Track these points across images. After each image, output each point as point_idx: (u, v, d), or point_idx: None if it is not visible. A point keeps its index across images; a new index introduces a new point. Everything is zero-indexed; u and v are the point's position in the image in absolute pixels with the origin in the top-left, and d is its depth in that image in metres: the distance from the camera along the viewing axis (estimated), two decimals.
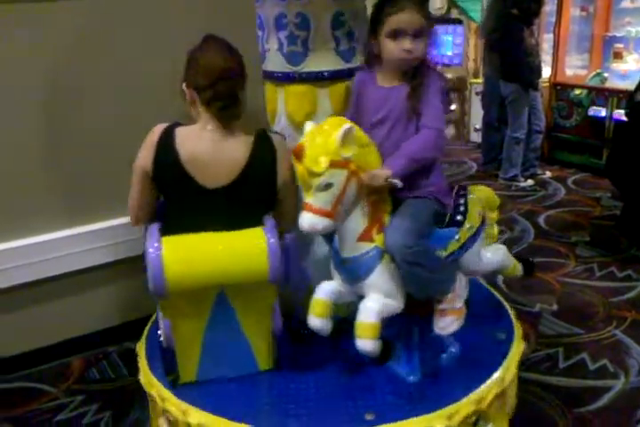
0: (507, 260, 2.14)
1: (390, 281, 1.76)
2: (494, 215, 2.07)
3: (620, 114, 4.74)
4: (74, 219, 2.64)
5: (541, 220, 4.31)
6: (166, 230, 1.78)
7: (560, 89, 5.45)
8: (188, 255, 1.74)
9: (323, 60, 1.87)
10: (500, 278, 3.24)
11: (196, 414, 1.75)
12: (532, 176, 5.19)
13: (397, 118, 1.78)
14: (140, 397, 2.13)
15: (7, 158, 2.45)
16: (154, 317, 2.27)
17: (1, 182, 2.46)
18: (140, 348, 2.11)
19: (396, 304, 1.78)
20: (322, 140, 1.55)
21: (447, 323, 1.90)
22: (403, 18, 1.72)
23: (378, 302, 1.74)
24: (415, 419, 1.68)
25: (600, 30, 5.43)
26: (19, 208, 2.52)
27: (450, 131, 6.41)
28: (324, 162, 1.53)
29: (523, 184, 5.09)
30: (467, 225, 1.89)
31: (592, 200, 4.66)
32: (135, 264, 2.34)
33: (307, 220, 1.59)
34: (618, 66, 5.20)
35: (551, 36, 5.60)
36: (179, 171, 1.76)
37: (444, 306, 1.89)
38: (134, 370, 2.03)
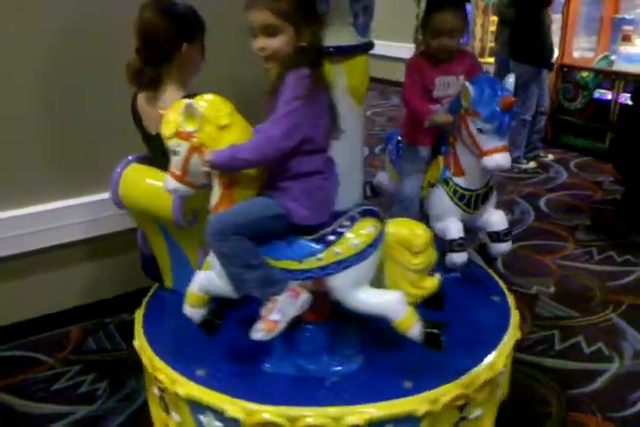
0: (391, 308, 1.69)
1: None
2: (415, 260, 1.70)
3: (627, 98, 4.70)
4: (78, 189, 2.66)
5: (542, 202, 4.30)
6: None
7: (567, 71, 5.41)
8: (137, 182, 2.10)
9: (339, 35, 1.82)
10: (499, 261, 3.24)
11: (185, 385, 1.74)
12: (535, 158, 5.16)
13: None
14: (135, 367, 2.13)
15: None
16: (153, 288, 2.28)
17: None
18: (138, 315, 2.12)
19: (220, 283, 1.71)
20: (177, 111, 1.63)
21: (255, 329, 1.67)
22: (249, 16, 1.57)
23: (206, 275, 1.75)
24: (397, 401, 1.67)
25: (609, 12, 5.38)
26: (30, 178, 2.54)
27: None
28: (166, 129, 1.64)
29: (525, 166, 5.05)
30: (336, 249, 1.64)
31: (594, 184, 4.65)
32: (132, 237, 2.36)
33: (165, 179, 1.70)
34: (626, 48, 5.14)
35: (559, 16, 5.52)
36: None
37: (262, 312, 1.66)
38: (131, 341, 2.03)
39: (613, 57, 5.22)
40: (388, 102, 7.46)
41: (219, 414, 1.68)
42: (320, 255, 1.64)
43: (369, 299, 1.68)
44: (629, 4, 5.26)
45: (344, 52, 1.80)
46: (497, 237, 2.18)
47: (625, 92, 4.84)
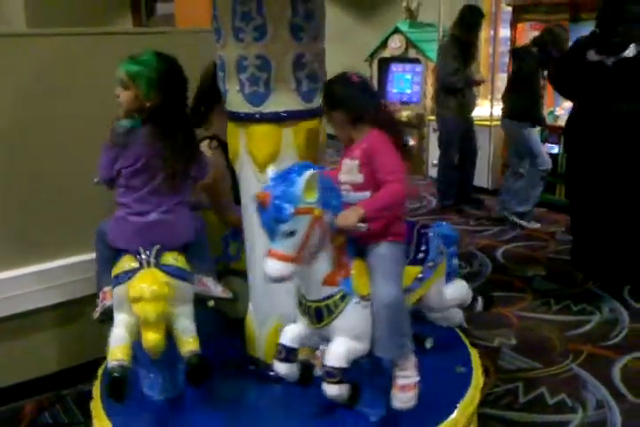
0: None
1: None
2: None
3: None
4: (23, 259, 2.58)
5: (499, 254, 4.39)
6: None
7: None
8: None
9: (284, 101, 1.90)
10: None
11: None
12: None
13: None
14: None
15: None
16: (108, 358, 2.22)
17: None
18: (96, 388, 2.06)
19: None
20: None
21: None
22: None
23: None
24: None
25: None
26: None
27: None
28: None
29: (529, 225, 4.93)
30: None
31: (547, 235, 4.77)
32: (87, 306, 2.30)
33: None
34: (569, 104, 5.37)
35: (505, 75, 5.79)
36: None
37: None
38: (88, 414, 1.97)
39: (558, 112, 5.45)
40: None
41: None
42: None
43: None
44: None
45: (286, 118, 1.90)
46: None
47: None
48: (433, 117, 6.27)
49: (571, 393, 2.65)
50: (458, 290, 2.18)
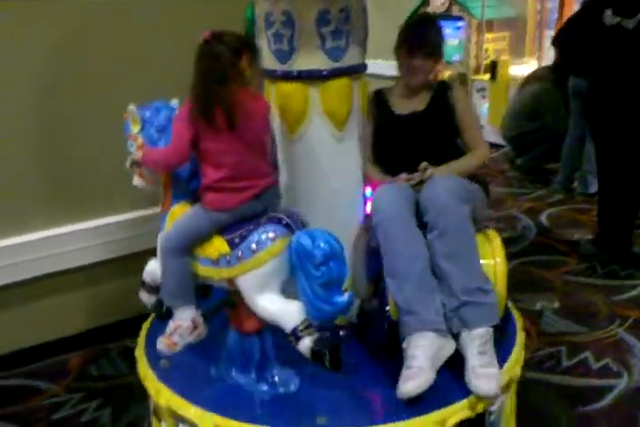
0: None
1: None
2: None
3: None
4: (74, 216, 2.64)
5: (543, 217, 4.29)
6: None
7: None
8: None
9: (310, 59, 1.84)
10: None
11: (189, 409, 1.73)
12: None
13: None
14: (139, 393, 2.10)
15: None
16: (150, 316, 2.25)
17: None
18: (140, 341, 2.09)
19: None
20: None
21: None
22: None
23: None
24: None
25: None
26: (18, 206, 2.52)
27: None
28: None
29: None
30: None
31: (593, 198, 4.63)
32: (132, 263, 2.33)
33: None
34: None
35: (553, 32, 5.57)
36: None
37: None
38: (134, 367, 2.00)
39: None
40: None
41: None
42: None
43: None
44: None
45: (312, 77, 1.84)
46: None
47: None
48: (477, 77, 6.10)
49: (616, 358, 2.60)
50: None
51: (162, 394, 1.81)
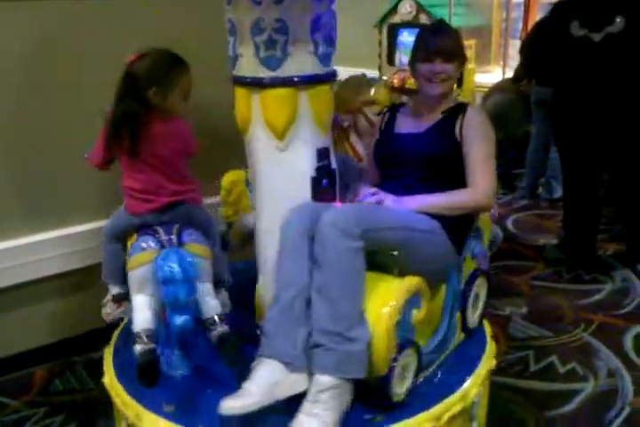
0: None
1: None
2: None
3: None
4: (40, 225, 2.58)
5: (509, 223, 4.35)
6: None
7: None
8: None
9: (301, 64, 1.84)
10: None
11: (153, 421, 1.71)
12: None
13: None
14: (105, 407, 2.07)
15: None
16: (122, 323, 2.22)
17: None
18: (108, 351, 2.06)
19: None
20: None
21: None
22: None
23: None
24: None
25: None
26: None
27: None
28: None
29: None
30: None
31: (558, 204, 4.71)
32: (96, 273, 2.29)
33: None
34: None
35: (517, 41, 5.68)
36: None
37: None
38: (99, 381, 1.97)
39: None
40: None
41: None
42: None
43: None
44: None
45: (306, 81, 1.83)
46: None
47: None
48: None
49: (582, 362, 2.64)
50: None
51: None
